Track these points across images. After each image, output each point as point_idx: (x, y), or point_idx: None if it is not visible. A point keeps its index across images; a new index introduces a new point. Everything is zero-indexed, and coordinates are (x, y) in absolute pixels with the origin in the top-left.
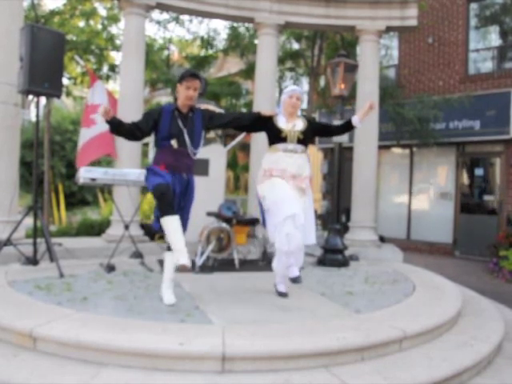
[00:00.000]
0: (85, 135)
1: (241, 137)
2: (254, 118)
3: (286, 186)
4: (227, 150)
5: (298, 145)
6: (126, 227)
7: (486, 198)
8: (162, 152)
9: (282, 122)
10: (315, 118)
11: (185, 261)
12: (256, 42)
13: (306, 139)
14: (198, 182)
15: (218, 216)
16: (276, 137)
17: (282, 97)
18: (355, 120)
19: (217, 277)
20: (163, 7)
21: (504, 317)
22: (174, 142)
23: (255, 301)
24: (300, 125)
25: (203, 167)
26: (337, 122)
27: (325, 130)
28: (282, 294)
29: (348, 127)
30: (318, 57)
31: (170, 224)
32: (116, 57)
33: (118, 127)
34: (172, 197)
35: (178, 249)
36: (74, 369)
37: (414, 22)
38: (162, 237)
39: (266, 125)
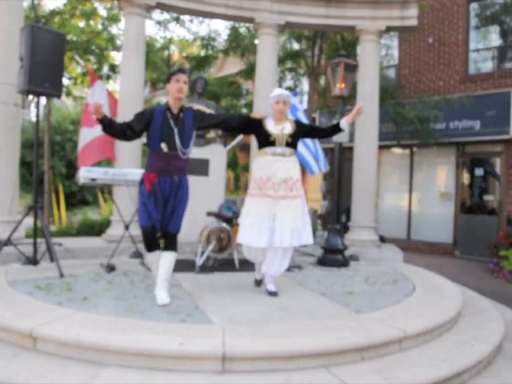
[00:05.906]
0: (88, 134)
1: (241, 137)
2: (243, 121)
3: (258, 216)
4: (227, 150)
5: (286, 148)
6: (126, 227)
7: (486, 197)
8: (153, 156)
9: (270, 126)
10: (315, 118)
11: (161, 301)
12: (256, 42)
13: (294, 142)
14: (198, 181)
15: (218, 216)
16: (265, 140)
17: (270, 101)
18: (343, 123)
19: (217, 277)
20: (163, 7)
21: (504, 317)
22: (163, 146)
23: (255, 301)
24: (288, 128)
25: (203, 167)
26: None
27: (313, 132)
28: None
29: (336, 129)
30: (318, 57)
31: (150, 258)
32: (116, 57)
33: (109, 126)
34: (154, 237)
35: (157, 285)
36: (73, 369)
37: (415, 22)
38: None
39: (255, 128)
